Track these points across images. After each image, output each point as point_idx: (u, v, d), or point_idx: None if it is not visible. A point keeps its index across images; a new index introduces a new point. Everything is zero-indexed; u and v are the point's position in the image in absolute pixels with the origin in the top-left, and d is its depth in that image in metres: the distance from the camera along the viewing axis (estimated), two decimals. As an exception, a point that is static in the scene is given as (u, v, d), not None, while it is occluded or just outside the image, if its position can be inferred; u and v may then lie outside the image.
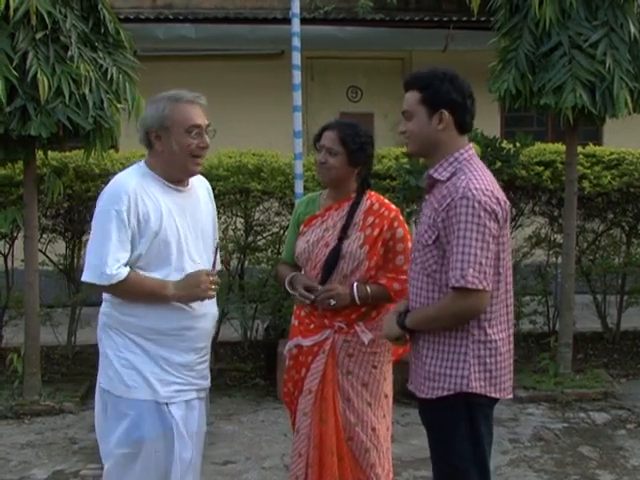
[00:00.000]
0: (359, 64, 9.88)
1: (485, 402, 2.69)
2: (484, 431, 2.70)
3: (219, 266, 3.07)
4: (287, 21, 6.52)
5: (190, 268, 2.88)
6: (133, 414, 2.82)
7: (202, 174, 3.11)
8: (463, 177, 2.62)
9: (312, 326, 3.29)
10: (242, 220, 6.59)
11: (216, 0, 9.98)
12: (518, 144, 6.17)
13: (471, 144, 2.79)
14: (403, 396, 4.52)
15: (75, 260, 6.67)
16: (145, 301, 2.83)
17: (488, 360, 2.66)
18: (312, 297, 3.20)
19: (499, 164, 5.98)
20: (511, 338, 2.75)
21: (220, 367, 6.24)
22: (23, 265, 5.69)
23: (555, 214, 6.77)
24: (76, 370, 6.38)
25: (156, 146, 2.88)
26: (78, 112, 5.06)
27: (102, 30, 5.37)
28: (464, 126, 2.74)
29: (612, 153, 6.72)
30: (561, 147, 6.55)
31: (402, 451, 4.69)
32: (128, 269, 2.78)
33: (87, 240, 6.83)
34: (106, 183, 2.92)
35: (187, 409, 2.91)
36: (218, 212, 6.37)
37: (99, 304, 2.97)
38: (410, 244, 3.26)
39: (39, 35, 4.97)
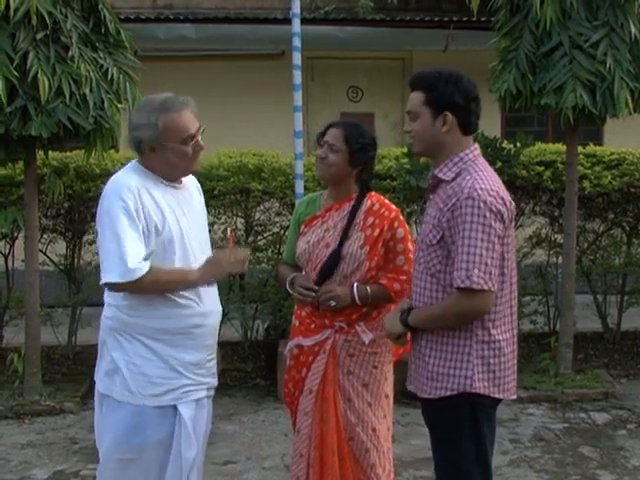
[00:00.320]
0: (359, 64, 9.88)
1: (489, 402, 2.69)
2: (487, 431, 2.70)
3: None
4: (287, 21, 6.52)
5: (194, 265, 2.87)
6: (134, 420, 2.80)
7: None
8: (468, 177, 2.62)
9: (313, 326, 3.29)
10: (242, 220, 6.59)
11: (216, 0, 9.98)
12: (518, 144, 6.17)
13: (476, 144, 2.79)
14: (403, 396, 4.51)
15: (75, 260, 6.68)
16: (171, 292, 2.79)
17: (492, 360, 2.66)
18: (312, 294, 3.21)
19: (500, 164, 5.98)
20: (515, 338, 2.75)
21: (220, 367, 6.23)
22: (23, 265, 5.69)
23: (556, 214, 6.77)
24: (76, 370, 6.37)
25: (150, 157, 2.84)
26: (78, 112, 5.06)
27: (103, 30, 5.37)
28: (468, 127, 2.74)
29: (612, 153, 6.72)
30: (561, 147, 6.55)
31: (402, 451, 4.70)
32: (149, 263, 2.71)
33: (87, 240, 6.87)
34: (107, 183, 2.90)
35: (197, 408, 2.90)
36: (218, 212, 6.48)
37: (100, 304, 2.96)
38: (410, 244, 3.27)
39: (40, 35, 4.97)
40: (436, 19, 9.20)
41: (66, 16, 5.10)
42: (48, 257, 6.62)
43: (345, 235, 3.24)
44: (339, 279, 3.23)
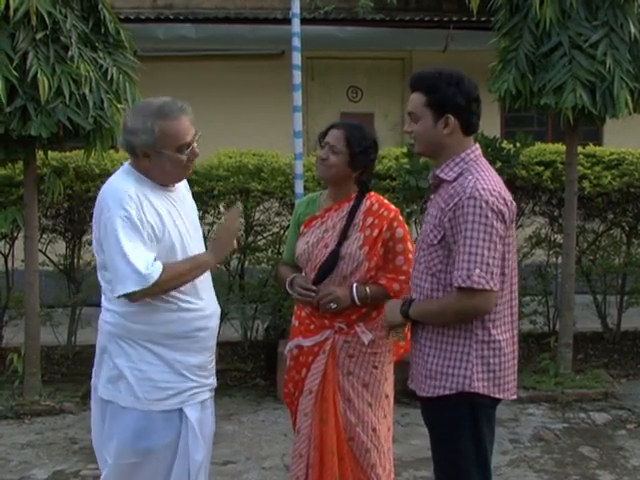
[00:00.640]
0: (359, 64, 9.88)
1: (488, 402, 2.69)
2: (486, 431, 2.70)
3: None
4: (287, 21, 6.52)
5: None
6: (140, 425, 2.79)
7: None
8: (470, 177, 2.63)
9: (312, 326, 3.29)
10: (242, 220, 6.59)
11: (216, 0, 9.98)
12: (518, 144, 6.18)
13: (477, 144, 2.79)
14: (403, 396, 4.52)
15: (75, 260, 6.68)
16: (190, 281, 2.79)
17: (492, 360, 2.66)
18: (312, 294, 3.21)
19: (499, 164, 5.98)
20: (515, 338, 2.75)
21: (220, 367, 6.22)
22: (23, 265, 5.69)
23: (555, 214, 6.77)
24: (76, 370, 6.37)
25: (144, 161, 2.82)
26: (78, 112, 5.06)
27: (102, 30, 5.37)
28: (470, 128, 2.74)
29: (612, 153, 6.72)
30: (561, 147, 6.55)
31: (402, 451, 4.70)
32: (160, 263, 2.70)
33: (87, 240, 6.86)
34: (103, 188, 2.87)
35: (201, 410, 2.91)
36: (218, 212, 6.46)
37: (99, 304, 2.95)
38: (410, 244, 3.27)
39: (39, 35, 4.97)
40: (436, 19, 9.20)
41: (66, 16, 5.10)
42: (48, 257, 6.62)
43: (344, 235, 3.24)
44: (338, 279, 3.23)
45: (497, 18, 5.80)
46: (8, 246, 6.58)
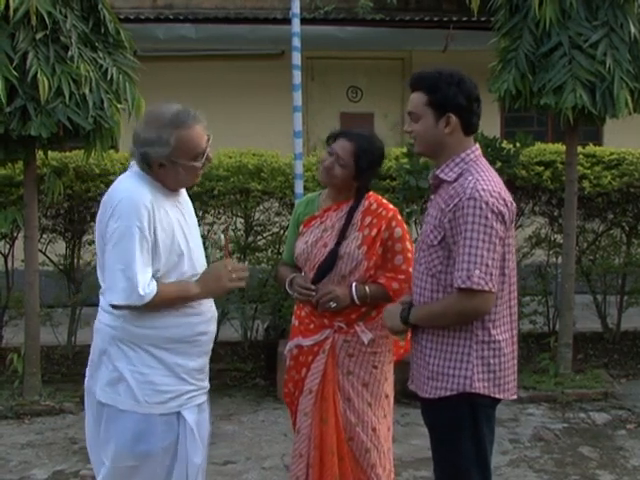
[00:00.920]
0: (359, 64, 9.88)
1: (488, 402, 2.70)
2: (486, 431, 2.70)
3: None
4: (287, 21, 6.52)
5: (200, 270, 2.88)
6: (140, 428, 2.78)
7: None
8: (470, 178, 2.62)
9: (312, 326, 3.30)
10: (242, 220, 6.59)
11: (216, 0, 9.98)
12: (518, 144, 6.18)
13: (477, 145, 2.79)
14: (403, 396, 4.52)
15: (75, 260, 6.68)
16: (172, 308, 2.79)
17: (492, 361, 2.66)
18: (312, 294, 3.21)
19: (499, 164, 5.98)
20: (515, 339, 2.75)
21: (220, 367, 6.24)
22: (23, 265, 5.69)
23: (555, 214, 6.77)
24: (76, 370, 6.36)
25: (158, 170, 2.79)
26: (78, 112, 5.06)
27: (102, 30, 5.37)
28: (470, 128, 2.74)
29: (612, 153, 6.72)
30: (561, 147, 6.55)
31: (402, 451, 4.70)
32: (155, 284, 2.72)
33: (87, 240, 6.85)
34: (106, 183, 2.87)
35: (199, 412, 2.91)
36: (218, 212, 6.47)
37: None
38: (409, 244, 3.27)
39: (39, 35, 4.97)
40: (436, 19, 9.20)
41: (65, 16, 5.10)
42: (48, 257, 6.62)
43: (343, 235, 3.24)
44: (337, 279, 3.23)
45: (497, 18, 5.80)
46: (8, 246, 6.58)
